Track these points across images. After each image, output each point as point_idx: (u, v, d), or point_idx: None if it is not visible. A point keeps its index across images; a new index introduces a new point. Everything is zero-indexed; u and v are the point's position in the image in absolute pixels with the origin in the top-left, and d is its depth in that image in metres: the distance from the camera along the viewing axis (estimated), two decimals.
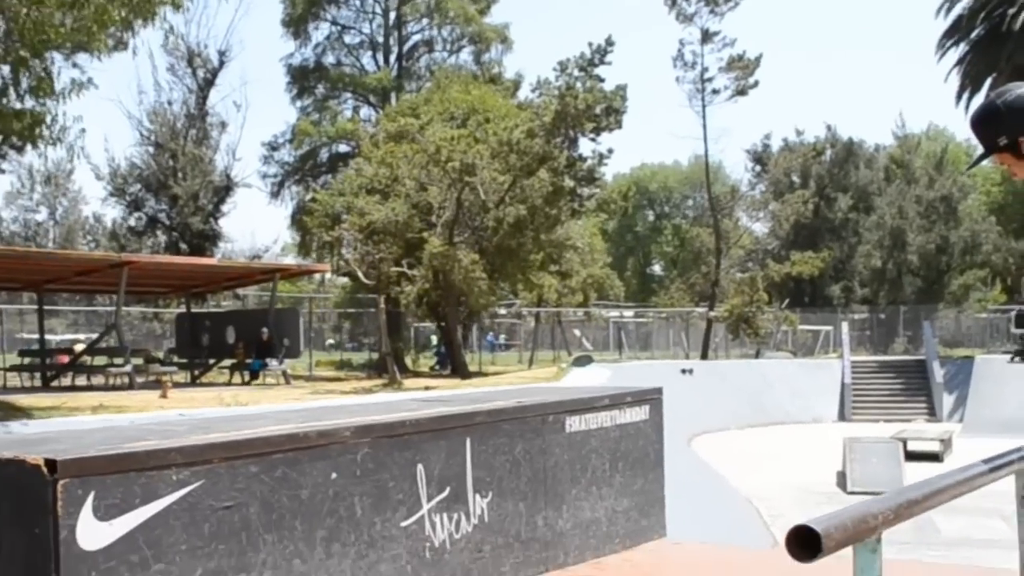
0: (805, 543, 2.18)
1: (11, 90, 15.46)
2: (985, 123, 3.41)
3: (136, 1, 16.00)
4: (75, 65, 17.75)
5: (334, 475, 4.30)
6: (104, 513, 3.46)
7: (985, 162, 3.82)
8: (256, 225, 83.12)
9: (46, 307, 27.93)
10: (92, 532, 3.43)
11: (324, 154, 46.53)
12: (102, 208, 55.65)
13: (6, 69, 16.45)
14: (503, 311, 40.89)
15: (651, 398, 6.56)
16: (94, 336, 32.18)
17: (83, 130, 17.26)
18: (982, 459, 3.37)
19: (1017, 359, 31.18)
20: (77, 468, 3.41)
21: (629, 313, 49.79)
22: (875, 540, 2.41)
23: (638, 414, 6.39)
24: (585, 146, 27.31)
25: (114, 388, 23.44)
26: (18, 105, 15.60)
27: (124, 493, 3.52)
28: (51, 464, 3.36)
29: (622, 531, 6.15)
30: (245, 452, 3.97)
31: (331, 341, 47.51)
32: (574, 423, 5.81)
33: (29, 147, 19.48)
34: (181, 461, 3.71)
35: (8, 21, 15.78)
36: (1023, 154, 3.28)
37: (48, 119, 16.51)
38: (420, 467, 4.75)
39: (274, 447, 4.09)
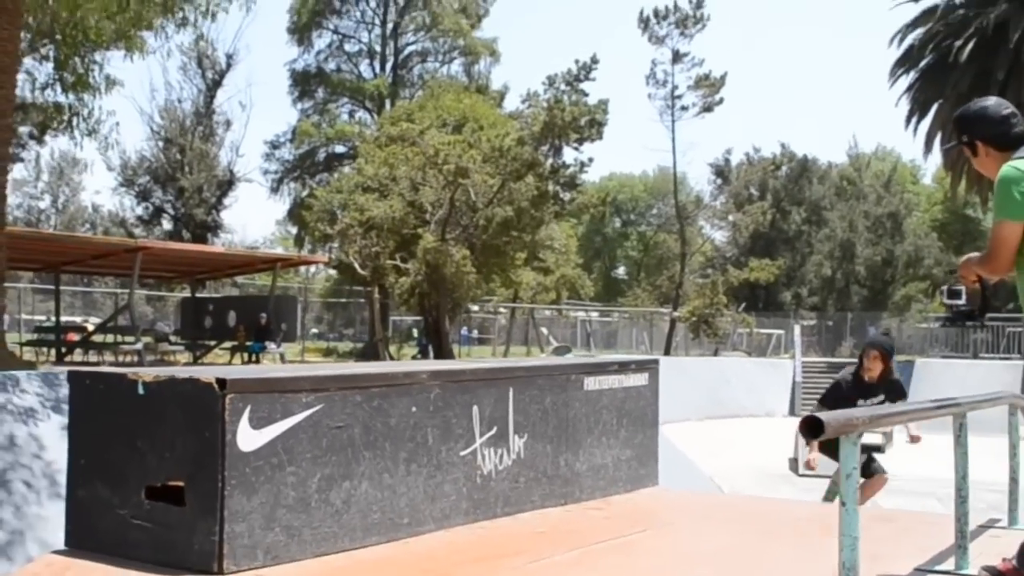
0: (812, 429, 3.00)
1: (57, 85, 16.09)
2: (956, 121, 4.35)
3: (169, 4, 16.71)
4: (95, 63, 18.37)
5: (414, 408, 5.04)
6: (256, 423, 4.21)
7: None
8: (248, 219, 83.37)
9: (46, 289, 28.36)
10: (248, 437, 4.17)
11: (322, 154, 47.09)
12: (111, 197, 55.73)
13: (48, 66, 17.11)
14: (475, 307, 41.48)
15: (650, 367, 7.35)
16: (92, 318, 32.64)
17: (117, 123, 17.96)
18: (929, 399, 4.22)
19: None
20: (240, 386, 4.16)
21: (595, 313, 50.57)
22: (856, 436, 3.22)
23: (639, 379, 7.16)
24: (568, 154, 28.22)
25: (124, 365, 23.90)
26: (62, 99, 16.23)
27: (270, 409, 4.27)
28: (221, 382, 4.12)
29: (625, 476, 6.92)
30: (353, 384, 4.72)
31: (315, 330, 48.01)
32: (591, 383, 6.56)
33: (61, 137, 20.05)
34: (309, 388, 4.46)
35: (52, 22, 16.42)
36: (977, 152, 4.17)
37: (84, 112, 17.19)
38: (475, 408, 5.50)
39: (372, 382, 4.84)
